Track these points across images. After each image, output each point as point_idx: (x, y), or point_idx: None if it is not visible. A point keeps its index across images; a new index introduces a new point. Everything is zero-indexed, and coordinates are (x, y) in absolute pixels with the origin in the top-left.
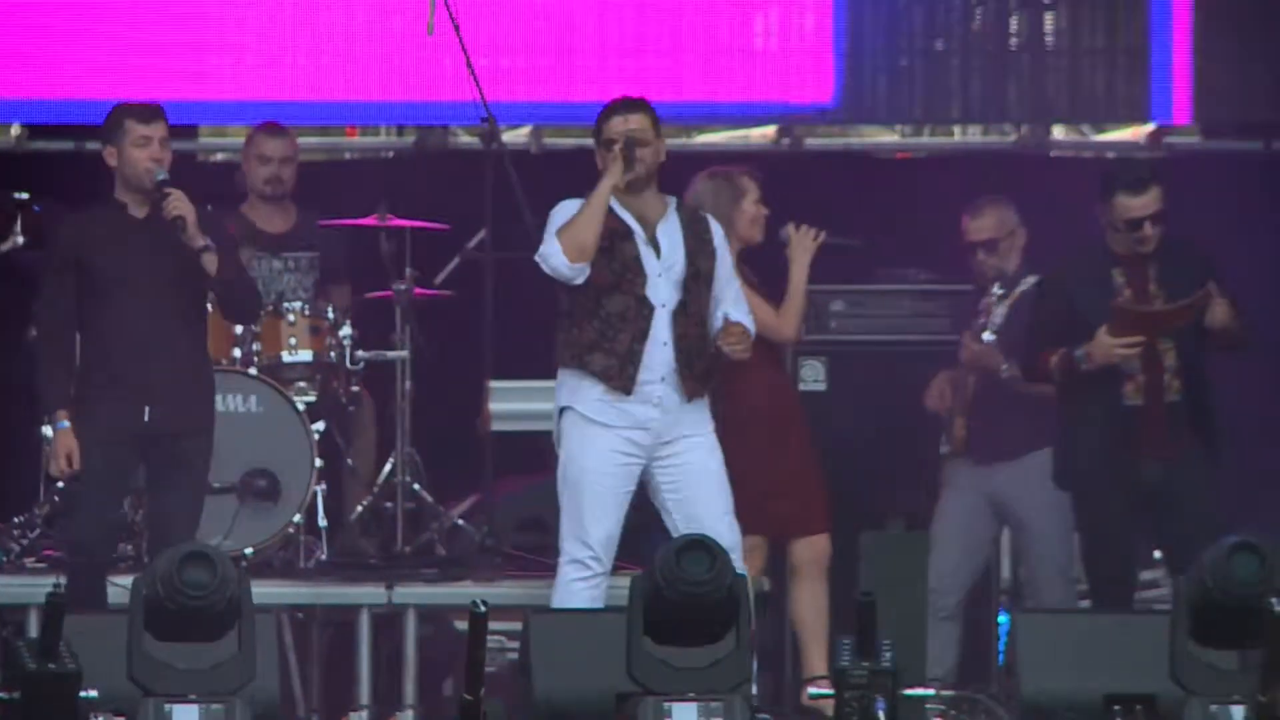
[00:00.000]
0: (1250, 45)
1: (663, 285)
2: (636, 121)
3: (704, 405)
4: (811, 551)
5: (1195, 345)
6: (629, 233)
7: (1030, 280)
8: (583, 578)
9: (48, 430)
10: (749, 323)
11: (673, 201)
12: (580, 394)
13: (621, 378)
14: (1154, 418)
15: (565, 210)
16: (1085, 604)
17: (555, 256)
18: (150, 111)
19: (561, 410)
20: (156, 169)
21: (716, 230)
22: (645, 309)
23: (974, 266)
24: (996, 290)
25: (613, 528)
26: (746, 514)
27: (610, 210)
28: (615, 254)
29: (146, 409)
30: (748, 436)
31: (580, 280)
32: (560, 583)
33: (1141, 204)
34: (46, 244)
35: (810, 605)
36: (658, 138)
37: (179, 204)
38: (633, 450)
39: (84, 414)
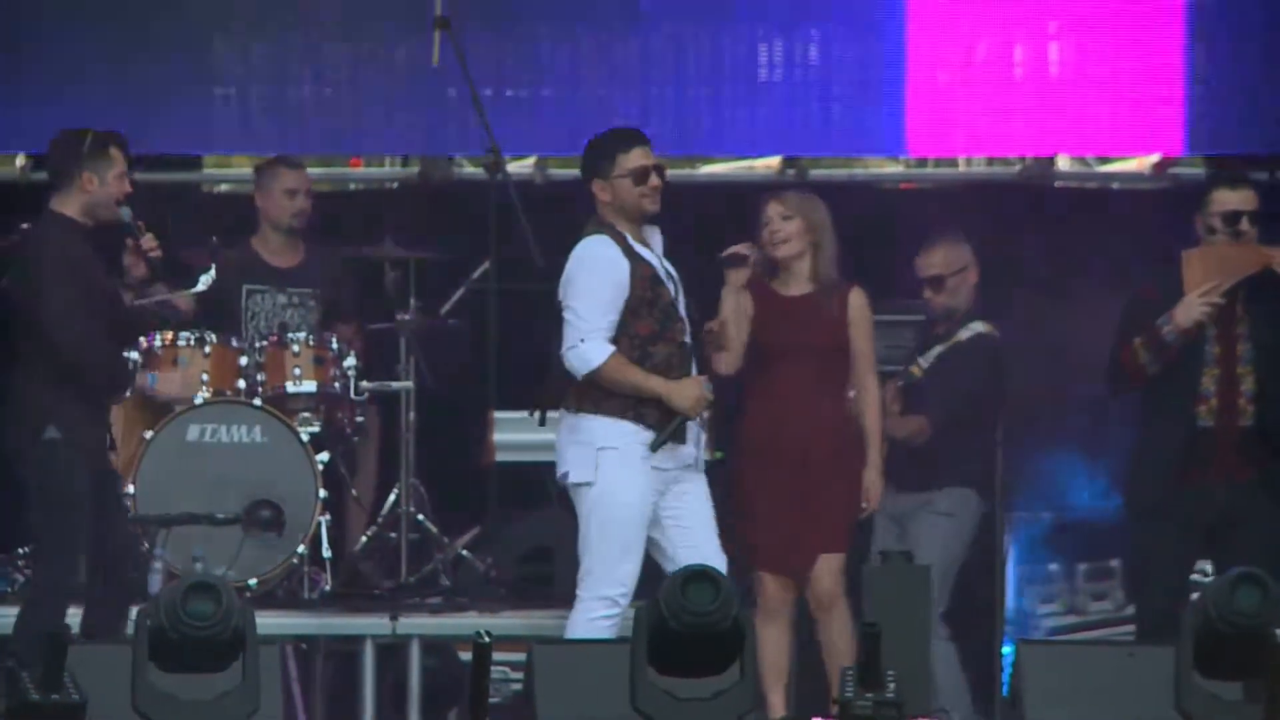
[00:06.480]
0: (1254, 75)
1: (686, 324)
2: (653, 156)
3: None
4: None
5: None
6: (656, 274)
7: (975, 327)
8: (610, 615)
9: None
10: None
11: (658, 233)
12: (629, 436)
13: (679, 426)
14: (1226, 440)
15: (601, 258)
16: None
17: (586, 369)
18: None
19: (600, 449)
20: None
21: None
22: (685, 354)
23: (926, 302)
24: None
25: (639, 564)
26: (828, 534)
27: (638, 255)
28: (657, 302)
29: (108, 436)
30: (810, 464)
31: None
32: (582, 619)
33: (1239, 198)
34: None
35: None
36: None
37: None
38: (661, 487)
39: (70, 431)
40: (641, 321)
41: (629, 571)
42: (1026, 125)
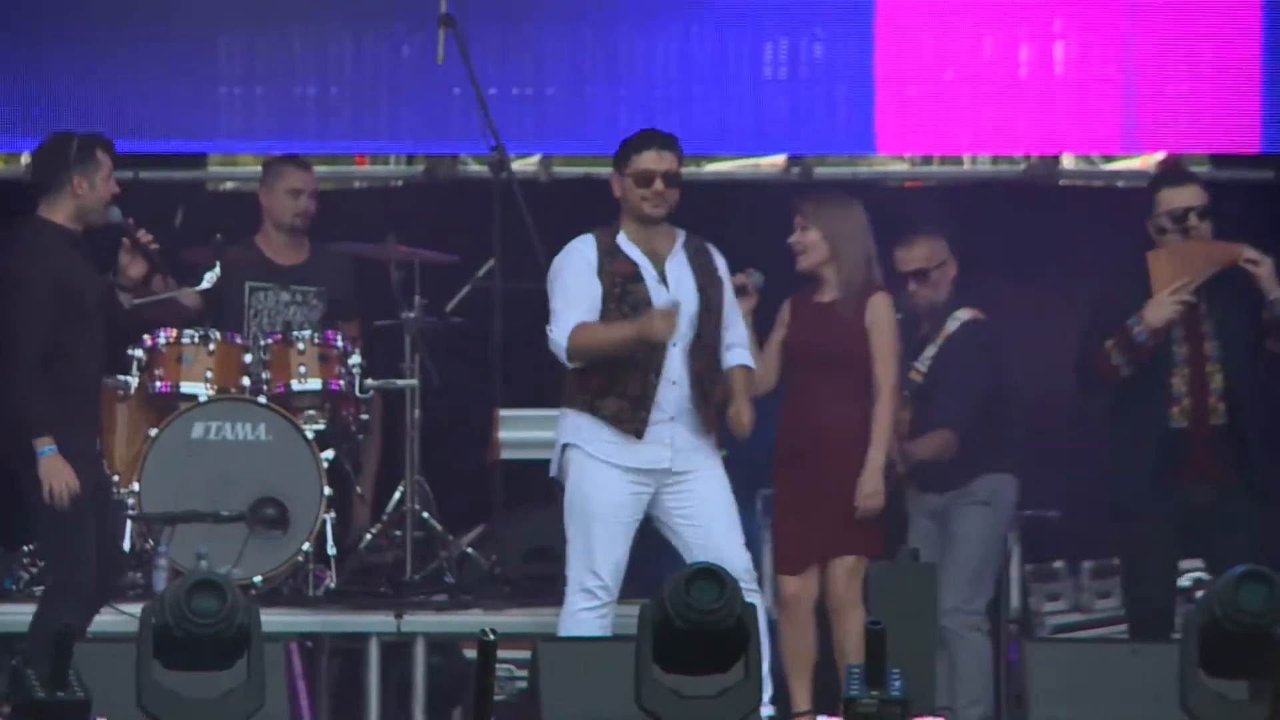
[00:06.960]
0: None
1: None
2: (670, 162)
3: (711, 435)
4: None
5: (1248, 363)
6: (638, 274)
7: (960, 316)
8: (590, 607)
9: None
10: (751, 360)
11: (681, 235)
12: (587, 433)
13: (634, 421)
14: (1199, 441)
15: (569, 255)
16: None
17: (562, 354)
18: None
19: (565, 446)
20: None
21: (719, 259)
22: (657, 351)
23: (906, 298)
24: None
25: (621, 557)
26: (841, 537)
27: (620, 252)
28: (625, 298)
29: (98, 440)
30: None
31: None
32: (568, 612)
33: (1185, 195)
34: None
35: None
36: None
37: None
38: (642, 481)
39: (64, 438)
40: (609, 315)
41: (607, 564)
42: (1030, 124)
